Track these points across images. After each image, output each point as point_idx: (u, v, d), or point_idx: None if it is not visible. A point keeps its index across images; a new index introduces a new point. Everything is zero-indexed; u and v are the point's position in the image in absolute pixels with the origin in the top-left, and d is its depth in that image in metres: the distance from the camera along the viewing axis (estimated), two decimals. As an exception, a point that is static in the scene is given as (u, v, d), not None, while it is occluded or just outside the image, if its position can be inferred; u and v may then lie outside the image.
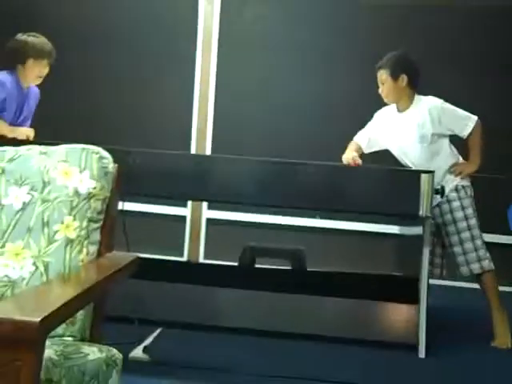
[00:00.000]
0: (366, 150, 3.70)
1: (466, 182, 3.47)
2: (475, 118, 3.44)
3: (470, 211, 3.41)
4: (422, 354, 3.04)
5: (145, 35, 5.28)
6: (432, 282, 3.56)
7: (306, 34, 5.16)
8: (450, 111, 3.45)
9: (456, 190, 3.41)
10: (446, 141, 3.49)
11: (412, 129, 3.46)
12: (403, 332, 3.41)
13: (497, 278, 3.41)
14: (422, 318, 3.06)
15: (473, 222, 3.39)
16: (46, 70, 3.62)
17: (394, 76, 3.46)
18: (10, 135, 3.45)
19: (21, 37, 3.61)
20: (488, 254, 3.38)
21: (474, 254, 3.36)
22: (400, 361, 3.00)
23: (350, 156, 3.54)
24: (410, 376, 2.83)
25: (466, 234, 3.38)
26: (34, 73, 3.59)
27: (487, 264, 3.36)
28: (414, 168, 3.50)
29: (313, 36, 5.15)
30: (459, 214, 3.39)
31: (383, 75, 3.49)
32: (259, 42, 5.24)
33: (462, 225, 3.38)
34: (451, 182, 3.41)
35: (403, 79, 3.46)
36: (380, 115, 3.69)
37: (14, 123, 3.60)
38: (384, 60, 3.52)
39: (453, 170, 3.45)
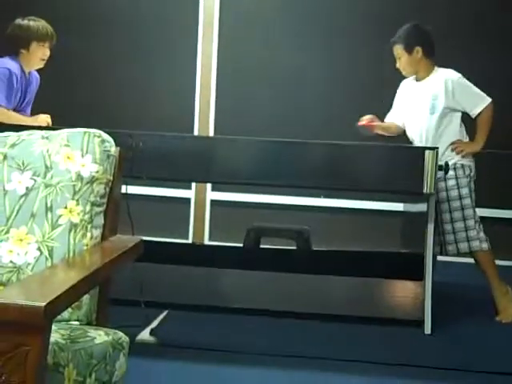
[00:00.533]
0: (398, 122, 3.71)
1: (466, 162, 3.46)
2: (489, 99, 3.43)
3: (465, 191, 3.40)
4: (427, 330, 3.05)
5: (145, 19, 5.25)
6: (437, 258, 3.57)
7: (308, 13, 5.13)
8: (465, 87, 3.45)
9: (454, 168, 3.40)
10: (457, 117, 3.48)
11: (426, 98, 3.48)
12: (409, 309, 3.43)
13: (499, 253, 3.41)
14: (428, 294, 3.07)
15: (467, 201, 3.39)
16: (48, 53, 3.63)
17: (409, 49, 3.49)
18: (32, 124, 3.44)
19: (22, 21, 3.59)
20: (481, 235, 3.39)
21: (464, 233, 3.37)
22: (406, 337, 3.02)
23: (368, 116, 3.60)
24: (416, 352, 2.84)
25: (458, 214, 3.38)
26: (38, 56, 3.60)
27: (477, 245, 3.36)
28: (419, 140, 3.50)
29: (316, 14, 5.11)
30: (454, 193, 3.39)
31: (398, 50, 3.53)
32: (260, 22, 5.20)
33: (456, 204, 3.38)
34: (451, 159, 3.39)
35: (418, 51, 3.49)
36: (401, 87, 3.73)
37: (17, 109, 3.60)
38: (397, 35, 3.55)
39: (454, 147, 3.44)
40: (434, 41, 3.56)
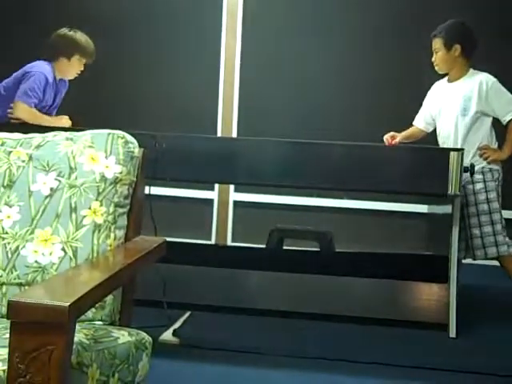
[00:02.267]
0: (429, 128, 3.70)
1: (495, 166, 3.40)
2: None
3: (493, 195, 3.34)
4: (452, 333, 3.02)
5: (168, 18, 5.27)
6: (465, 260, 3.53)
7: (333, 12, 5.10)
8: (499, 92, 3.39)
9: (482, 172, 3.35)
10: (488, 121, 3.41)
11: (458, 99, 3.43)
12: (434, 311, 3.39)
13: None
14: (452, 297, 3.03)
15: (494, 205, 3.33)
16: (82, 69, 3.73)
17: (448, 45, 3.43)
18: (57, 124, 3.50)
19: (72, 33, 3.69)
20: (507, 239, 3.33)
21: (492, 237, 3.32)
22: (431, 340, 2.99)
23: (388, 134, 3.66)
24: (440, 356, 2.81)
25: (486, 218, 3.33)
26: (76, 69, 3.71)
27: (505, 249, 3.31)
28: (448, 141, 3.46)
29: (343, 14, 5.09)
30: (482, 197, 3.34)
31: (437, 44, 3.47)
32: (285, 22, 5.20)
33: (483, 207, 3.33)
34: (479, 164, 3.34)
35: (456, 49, 3.43)
36: (432, 89, 3.68)
37: (45, 112, 3.66)
38: (439, 28, 3.48)
39: (481, 152, 3.38)
40: (476, 42, 3.49)
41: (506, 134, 3.40)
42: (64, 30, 3.69)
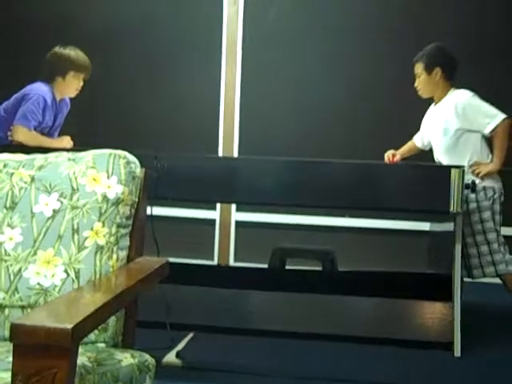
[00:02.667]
0: (427, 147, 3.74)
1: (489, 183, 3.37)
2: (501, 116, 3.33)
3: (487, 214, 3.33)
4: (457, 352, 2.99)
5: (169, 38, 5.30)
6: (466, 278, 3.51)
7: (333, 32, 5.13)
8: (475, 106, 3.39)
9: (475, 191, 3.30)
10: (475, 136, 3.41)
11: (440, 121, 3.49)
12: (437, 330, 3.37)
13: None
14: (457, 315, 3.01)
15: (489, 225, 3.32)
16: (81, 84, 3.69)
17: (428, 69, 3.49)
18: (58, 146, 3.50)
19: (62, 50, 3.66)
20: (507, 257, 3.32)
21: (489, 257, 3.31)
22: (435, 360, 2.96)
23: (389, 152, 3.74)
24: (445, 375, 2.79)
25: (481, 237, 3.32)
26: (74, 86, 3.68)
27: (503, 268, 3.30)
28: (435, 158, 3.51)
29: (341, 31, 5.12)
30: (475, 217, 3.33)
31: (418, 68, 3.53)
32: (285, 42, 5.23)
33: (478, 227, 3.33)
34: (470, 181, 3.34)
35: (437, 72, 3.48)
36: (428, 110, 3.73)
37: (45, 133, 3.66)
38: (420, 53, 3.55)
39: (471, 170, 3.35)
40: (456, 64, 3.53)
41: (491, 145, 3.41)
42: (55, 49, 3.68)
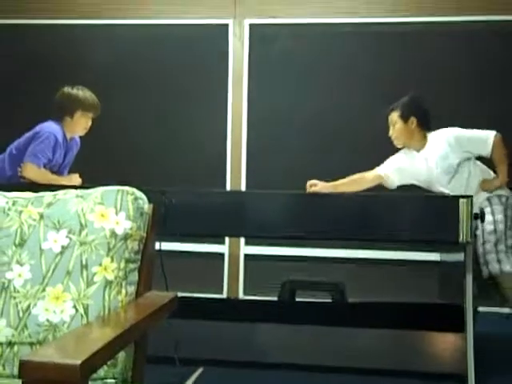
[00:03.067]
0: (396, 183, 3.77)
1: (502, 192, 3.47)
2: (493, 133, 3.47)
3: (499, 217, 3.39)
4: (471, 384, 2.96)
5: (175, 72, 5.37)
6: (480, 308, 3.49)
7: (334, 61, 5.19)
8: (467, 136, 3.50)
9: (488, 199, 3.43)
10: (473, 161, 3.52)
11: (435, 163, 3.54)
12: (450, 362, 3.33)
13: None
14: (470, 346, 2.98)
15: (501, 227, 3.37)
16: (89, 123, 3.75)
17: (404, 118, 3.59)
18: (67, 183, 3.53)
19: (71, 90, 3.73)
20: None
21: (495, 255, 3.32)
22: (449, 392, 2.92)
23: (309, 182, 3.57)
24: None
25: (490, 237, 3.35)
26: (82, 125, 3.74)
27: (508, 268, 3.30)
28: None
29: (342, 61, 5.18)
30: (488, 218, 3.35)
31: (394, 117, 3.63)
32: (289, 77, 5.28)
33: (490, 227, 3.36)
34: (483, 195, 3.44)
35: (413, 121, 3.58)
36: (404, 156, 3.73)
37: (56, 171, 3.70)
38: (395, 103, 3.65)
39: (482, 189, 3.46)
40: (429, 115, 3.62)
41: (493, 163, 3.50)
42: (64, 89, 3.75)
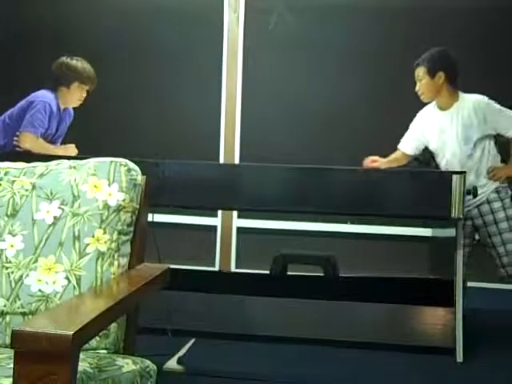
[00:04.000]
0: (415, 152, 3.69)
1: (505, 183, 3.42)
2: None
3: (511, 212, 3.35)
4: (459, 357, 2.99)
5: (171, 48, 5.32)
6: (470, 284, 3.52)
7: (330, 41, 5.15)
8: (496, 110, 3.38)
9: (497, 191, 3.36)
10: (491, 142, 3.42)
11: (457, 129, 3.41)
12: (440, 336, 3.37)
13: None
14: (459, 321, 3.01)
15: None
16: (85, 95, 3.73)
17: (431, 73, 3.43)
18: (62, 154, 3.52)
19: (69, 60, 3.70)
20: None
21: None
22: (437, 365, 2.96)
23: (369, 158, 3.63)
24: (448, 381, 2.79)
25: (508, 235, 3.32)
26: (76, 96, 3.72)
27: None
28: (449, 166, 3.45)
29: (338, 42, 5.14)
30: (501, 215, 3.34)
31: (420, 72, 3.47)
32: (284, 50, 5.24)
33: (504, 225, 3.33)
34: (491, 184, 3.36)
35: (440, 76, 3.42)
36: (422, 114, 3.64)
37: (49, 141, 3.68)
38: (422, 57, 3.49)
39: (490, 175, 3.37)
40: (458, 68, 3.49)
41: (510, 149, 3.40)
42: (62, 59, 3.72)
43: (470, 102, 3.40)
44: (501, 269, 3.35)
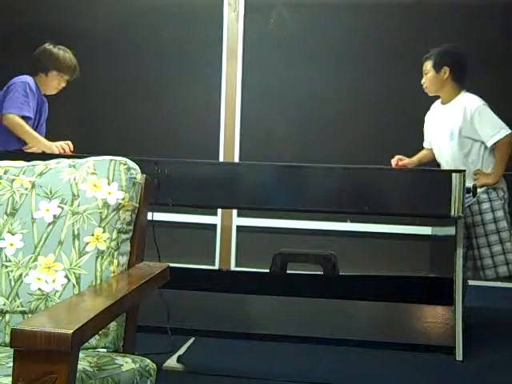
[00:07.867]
0: (431, 146, 3.72)
1: (500, 184, 3.40)
2: (507, 131, 3.33)
3: (500, 214, 3.34)
4: (459, 356, 2.99)
5: (171, 47, 5.31)
6: (469, 282, 3.51)
7: (333, 39, 5.15)
8: (484, 116, 3.36)
9: (487, 191, 3.35)
10: (479, 146, 3.40)
11: (447, 123, 3.46)
12: (439, 334, 3.37)
13: None
14: (458, 319, 3.01)
15: (502, 224, 3.33)
16: (63, 84, 3.71)
17: (437, 67, 3.47)
18: (46, 149, 3.49)
19: (52, 48, 3.68)
20: None
21: (503, 256, 3.30)
22: (437, 364, 2.96)
23: (396, 157, 3.69)
24: (447, 379, 2.79)
25: (494, 237, 3.32)
26: (53, 84, 3.69)
27: None
28: (445, 166, 3.47)
29: (342, 40, 5.13)
30: (488, 216, 3.33)
31: (427, 66, 3.52)
32: (286, 48, 5.24)
33: (491, 227, 3.32)
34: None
35: (445, 72, 3.46)
36: (430, 110, 3.69)
37: (33, 128, 3.63)
38: (430, 51, 3.54)
39: (475, 177, 3.38)
40: (466, 67, 3.52)
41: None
42: (45, 45, 3.70)
43: (464, 100, 3.43)
44: (481, 271, 3.34)
